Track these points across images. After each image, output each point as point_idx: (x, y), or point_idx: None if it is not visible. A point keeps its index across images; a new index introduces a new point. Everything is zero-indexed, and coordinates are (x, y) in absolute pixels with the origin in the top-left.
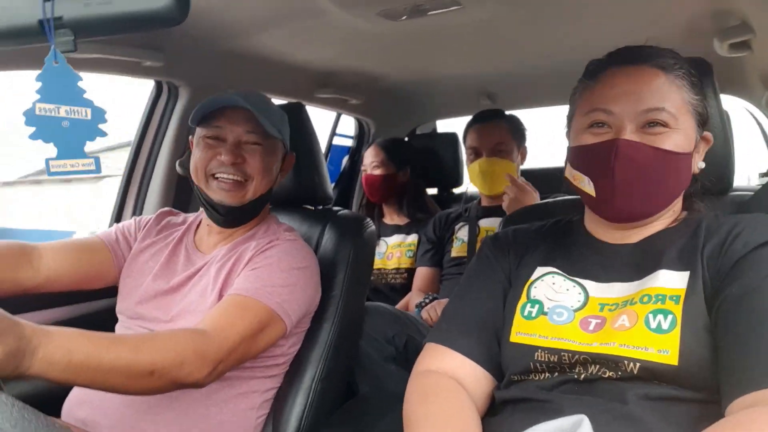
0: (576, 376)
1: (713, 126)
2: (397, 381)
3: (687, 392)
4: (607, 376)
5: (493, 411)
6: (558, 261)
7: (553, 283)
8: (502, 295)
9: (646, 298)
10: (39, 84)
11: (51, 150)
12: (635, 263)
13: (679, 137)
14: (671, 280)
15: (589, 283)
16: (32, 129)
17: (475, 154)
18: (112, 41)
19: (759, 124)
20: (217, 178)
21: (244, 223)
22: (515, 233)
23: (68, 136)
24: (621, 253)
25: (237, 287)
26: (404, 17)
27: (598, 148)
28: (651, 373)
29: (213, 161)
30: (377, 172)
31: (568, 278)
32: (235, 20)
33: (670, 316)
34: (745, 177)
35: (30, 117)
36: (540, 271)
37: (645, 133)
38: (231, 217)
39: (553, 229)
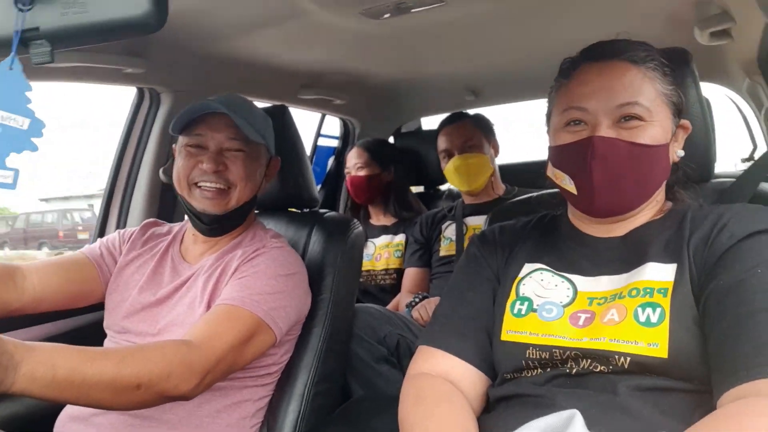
0: (568, 371)
1: (693, 114)
2: (390, 382)
3: (678, 383)
4: (598, 370)
5: (487, 409)
6: (545, 256)
7: (542, 280)
8: (492, 293)
9: (634, 292)
10: None
11: None
12: (622, 256)
13: (655, 129)
14: (659, 273)
15: (576, 278)
16: None
17: (448, 155)
18: (92, 49)
19: (740, 111)
20: (199, 186)
21: (229, 231)
22: (502, 230)
23: None
24: (607, 246)
25: (224, 297)
26: (387, 15)
27: (575, 146)
28: (642, 366)
29: (195, 170)
30: (361, 173)
31: (556, 274)
32: (216, 24)
33: (658, 309)
34: (731, 164)
35: None
36: (528, 267)
37: (621, 128)
38: (215, 226)
39: (538, 224)
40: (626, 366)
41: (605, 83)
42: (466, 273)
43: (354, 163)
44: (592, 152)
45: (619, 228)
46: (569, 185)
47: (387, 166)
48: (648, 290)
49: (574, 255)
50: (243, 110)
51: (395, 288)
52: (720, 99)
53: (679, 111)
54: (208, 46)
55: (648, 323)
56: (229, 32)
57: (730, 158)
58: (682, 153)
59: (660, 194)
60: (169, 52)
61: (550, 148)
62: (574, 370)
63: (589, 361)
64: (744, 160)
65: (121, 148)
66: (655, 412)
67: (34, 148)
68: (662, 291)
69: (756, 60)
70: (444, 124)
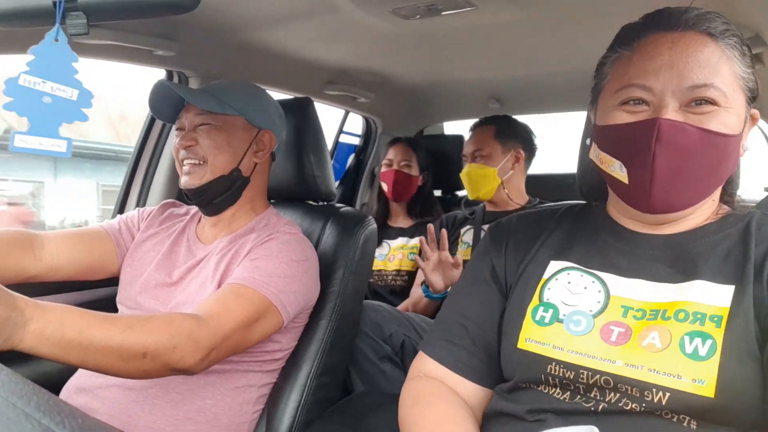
0: (593, 407)
1: None
2: (392, 380)
3: (719, 429)
4: (629, 408)
5: (487, 418)
6: (574, 251)
7: (569, 282)
8: (494, 296)
9: (682, 315)
10: (31, 57)
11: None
12: (667, 261)
13: (730, 117)
14: (713, 296)
15: (609, 277)
16: (9, 99)
17: (465, 161)
18: (125, 28)
19: (767, 138)
20: (183, 164)
21: (223, 207)
22: (519, 221)
23: (46, 112)
24: (650, 243)
25: (235, 276)
26: (418, 16)
27: (636, 128)
28: (682, 405)
29: (180, 150)
30: (406, 170)
31: (586, 272)
32: (249, 13)
33: (708, 341)
34: (755, 194)
35: (11, 86)
36: (553, 266)
37: (690, 112)
38: (200, 200)
39: (567, 214)
40: (664, 403)
41: (677, 59)
42: (466, 275)
43: (401, 159)
44: (658, 136)
45: (667, 228)
46: (620, 172)
47: (424, 170)
48: (699, 316)
49: (609, 249)
50: (215, 87)
51: (405, 291)
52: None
53: (753, 98)
54: (239, 35)
55: (695, 356)
56: (260, 22)
57: (755, 187)
58: (749, 146)
59: (717, 193)
60: (200, 38)
61: (598, 128)
62: (600, 407)
63: (619, 395)
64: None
65: (146, 129)
66: None
67: (84, 118)
68: (715, 320)
69: None
70: (470, 129)
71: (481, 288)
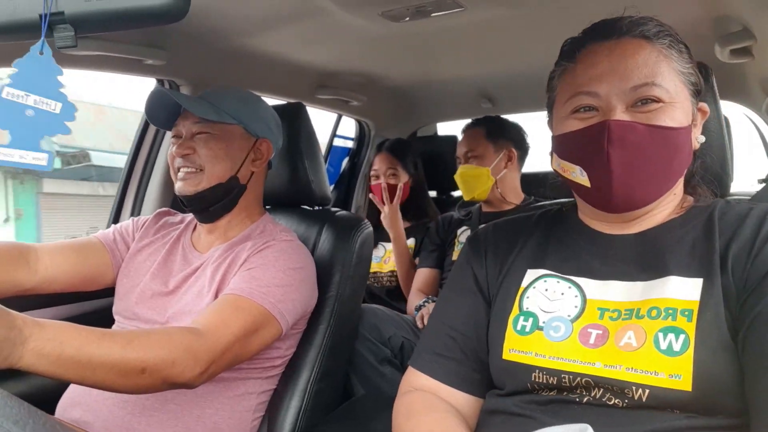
0: (578, 399)
1: (712, 131)
2: (392, 383)
3: (700, 420)
4: (612, 403)
5: (482, 419)
6: (549, 259)
7: (546, 290)
8: (479, 305)
9: (654, 312)
10: (14, 70)
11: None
12: (637, 259)
13: (676, 111)
14: (683, 290)
15: (585, 281)
16: None
17: (459, 162)
18: (114, 39)
19: (759, 130)
20: (178, 171)
21: (219, 215)
22: (495, 229)
23: (28, 126)
24: (620, 244)
25: (232, 287)
26: (407, 18)
27: (588, 132)
28: (662, 400)
29: (176, 158)
30: (392, 181)
31: (562, 278)
32: (238, 19)
33: (682, 336)
34: (748, 185)
35: None
36: (531, 275)
37: (637, 111)
38: (196, 207)
39: (541, 221)
40: (644, 399)
41: (616, 64)
42: (450, 286)
43: (386, 169)
44: (609, 137)
45: (635, 226)
46: (581, 177)
47: (413, 172)
48: (670, 311)
49: (582, 252)
50: (213, 95)
51: (401, 291)
52: (739, 118)
53: (697, 92)
54: (228, 42)
55: (670, 351)
56: (249, 28)
57: (745, 179)
58: (703, 139)
59: (678, 187)
60: (190, 46)
61: (555, 138)
62: (585, 399)
63: (601, 391)
64: (761, 181)
65: (139, 138)
66: None
67: (67, 131)
68: (686, 313)
69: None
70: (462, 131)
71: (467, 298)
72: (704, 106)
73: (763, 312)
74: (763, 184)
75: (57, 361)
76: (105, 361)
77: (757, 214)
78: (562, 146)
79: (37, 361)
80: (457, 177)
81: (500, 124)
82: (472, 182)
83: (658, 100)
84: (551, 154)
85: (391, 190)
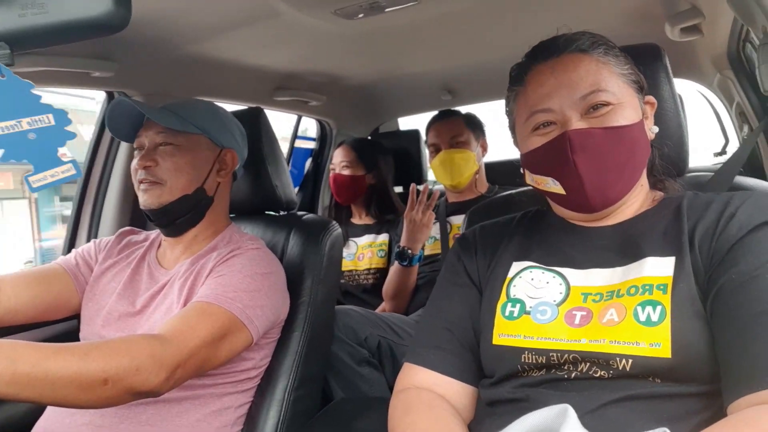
0: (566, 376)
1: (667, 110)
2: (371, 383)
3: (682, 387)
4: (598, 375)
5: (480, 412)
6: (533, 252)
7: (532, 279)
8: (469, 299)
9: (633, 290)
10: None
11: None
12: (615, 246)
13: (625, 110)
14: (657, 268)
15: (568, 271)
16: (0, 151)
17: (436, 149)
18: (58, 53)
19: (711, 105)
20: (140, 183)
21: (186, 228)
22: (482, 230)
23: (38, 147)
24: (599, 235)
25: (199, 295)
26: (361, 15)
27: (551, 146)
28: (645, 368)
29: (138, 170)
30: (346, 172)
31: (546, 269)
32: (188, 26)
33: (658, 308)
34: (703, 158)
35: None
36: (516, 267)
37: (591, 117)
38: (162, 222)
39: (523, 220)
40: (628, 369)
41: (562, 79)
42: (442, 283)
43: (340, 161)
44: (571, 147)
45: (610, 218)
46: (555, 187)
47: (372, 169)
48: (647, 287)
49: (564, 246)
50: (176, 105)
51: (377, 288)
52: (692, 94)
53: (641, 88)
54: (179, 49)
55: (648, 322)
56: (200, 34)
57: (702, 153)
58: (656, 129)
59: (644, 179)
60: (139, 55)
61: (523, 156)
62: (573, 374)
63: (588, 365)
64: (716, 155)
65: (92, 152)
66: (656, 422)
67: (73, 135)
68: (661, 287)
69: (726, 55)
70: (435, 119)
71: (460, 291)
72: (651, 98)
73: (726, 284)
74: (720, 157)
75: (12, 380)
76: (63, 375)
77: (721, 200)
78: (531, 162)
79: None
80: (440, 162)
81: (473, 117)
82: (461, 165)
83: (606, 104)
84: (522, 171)
85: (344, 180)
